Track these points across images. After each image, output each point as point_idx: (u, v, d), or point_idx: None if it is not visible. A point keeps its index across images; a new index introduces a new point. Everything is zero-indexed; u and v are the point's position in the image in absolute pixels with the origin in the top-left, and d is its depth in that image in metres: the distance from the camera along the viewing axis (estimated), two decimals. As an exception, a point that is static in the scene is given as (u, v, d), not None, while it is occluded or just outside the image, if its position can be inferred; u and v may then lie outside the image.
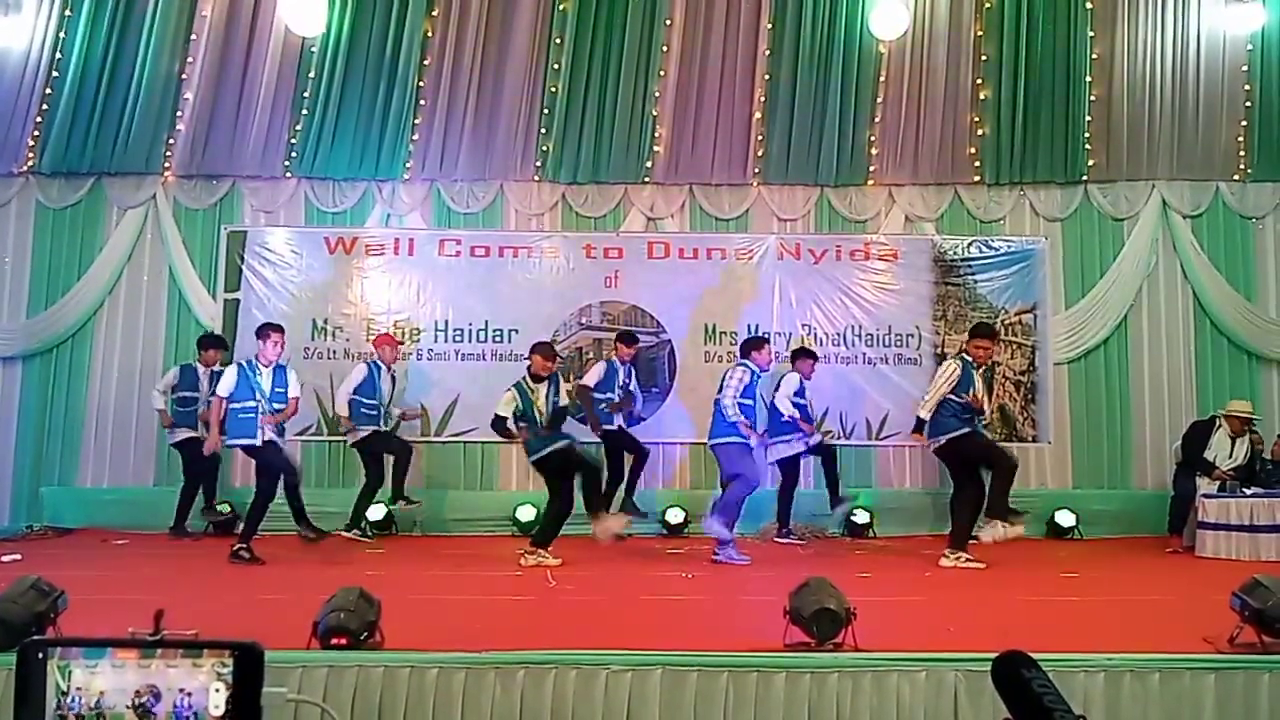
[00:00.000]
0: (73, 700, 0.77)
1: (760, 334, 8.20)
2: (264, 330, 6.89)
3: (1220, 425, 7.64)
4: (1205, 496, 7.23)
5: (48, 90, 8.52)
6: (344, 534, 7.64)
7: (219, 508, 8.03)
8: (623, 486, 7.86)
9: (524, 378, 6.70)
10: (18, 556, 6.56)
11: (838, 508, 7.85)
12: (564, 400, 6.83)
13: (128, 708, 0.81)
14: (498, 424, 6.61)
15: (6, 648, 3.48)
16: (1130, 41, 8.65)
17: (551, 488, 6.64)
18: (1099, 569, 6.72)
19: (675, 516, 8.17)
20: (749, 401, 6.84)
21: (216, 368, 7.97)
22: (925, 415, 6.60)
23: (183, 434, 7.91)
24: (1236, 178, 8.90)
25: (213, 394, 7.85)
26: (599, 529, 6.59)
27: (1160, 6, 8.61)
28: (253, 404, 6.64)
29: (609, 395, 7.77)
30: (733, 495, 6.71)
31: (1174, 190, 8.89)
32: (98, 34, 8.40)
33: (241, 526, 6.82)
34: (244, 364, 6.81)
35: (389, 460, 7.86)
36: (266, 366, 6.73)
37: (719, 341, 8.77)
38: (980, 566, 6.38)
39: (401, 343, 8.39)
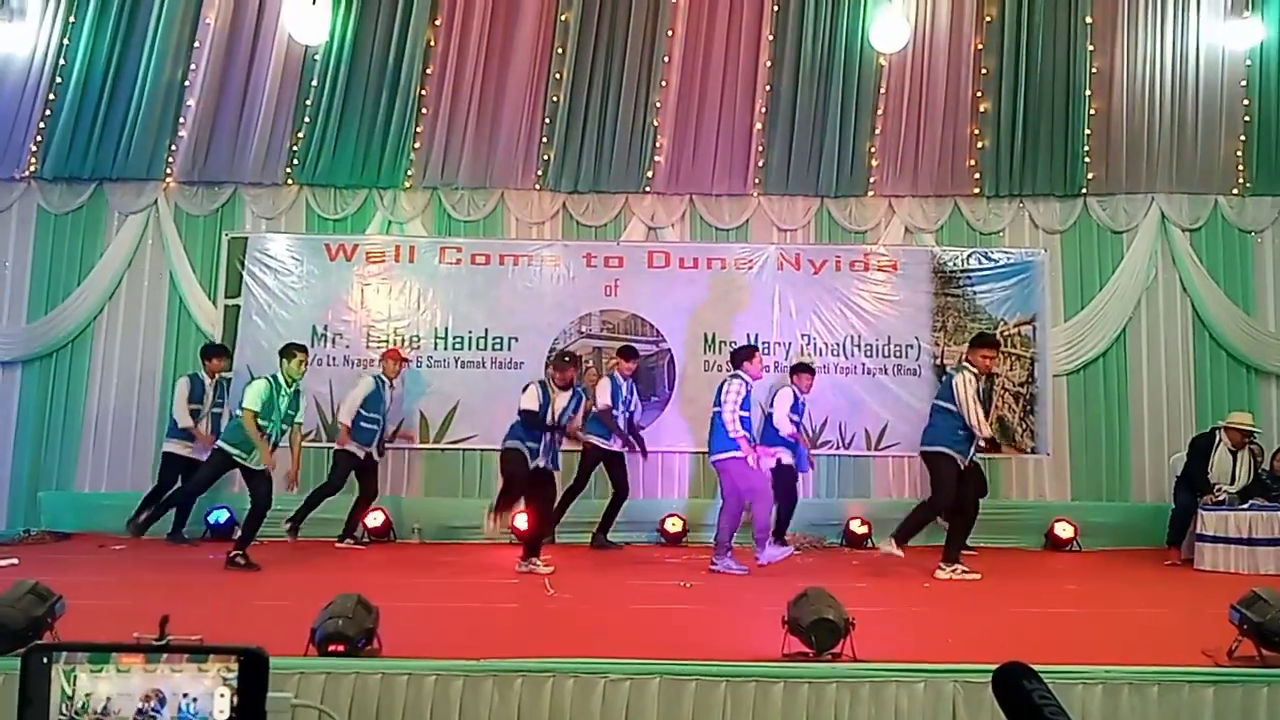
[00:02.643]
0: (78, 705, 0.78)
1: (752, 344, 8.05)
2: (291, 349, 6.77)
3: (1220, 440, 7.62)
4: (1204, 509, 7.23)
5: (51, 96, 8.54)
6: (339, 544, 7.62)
7: (185, 531, 7.80)
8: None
9: (549, 378, 6.87)
10: (15, 561, 6.54)
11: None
12: (578, 421, 7.00)
13: (134, 713, 0.81)
14: (529, 417, 6.63)
15: (5, 652, 3.48)
16: (1130, 55, 8.68)
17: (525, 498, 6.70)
18: (1098, 581, 6.72)
19: (673, 526, 8.16)
20: (746, 413, 6.80)
21: (221, 377, 8.00)
22: (990, 432, 6.60)
23: (172, 444, 7.80)
24: (1235, 191, 8.92)
25: (216, 405, 7.88)
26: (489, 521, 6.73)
27: (1160, 21, 8.65)
28: (266, 424, 6.54)
29: (618, 412, 7.78)
30: (761, 517, 6.74)
31: (1173, 203, 8.92)
32: (101, 41, 8.43)
33: (239, 533, 6.81)
34: (272, 380, 6.68)
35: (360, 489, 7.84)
36: (288, 387, 6.67)
37: (718, 351, 8.76)
38: (975, 577, 6.38)
39: (407, 359, 8.40)
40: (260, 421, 6.49)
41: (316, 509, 7.52)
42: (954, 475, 6.56)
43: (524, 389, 6.84)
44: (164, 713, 0.73)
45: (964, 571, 6.43)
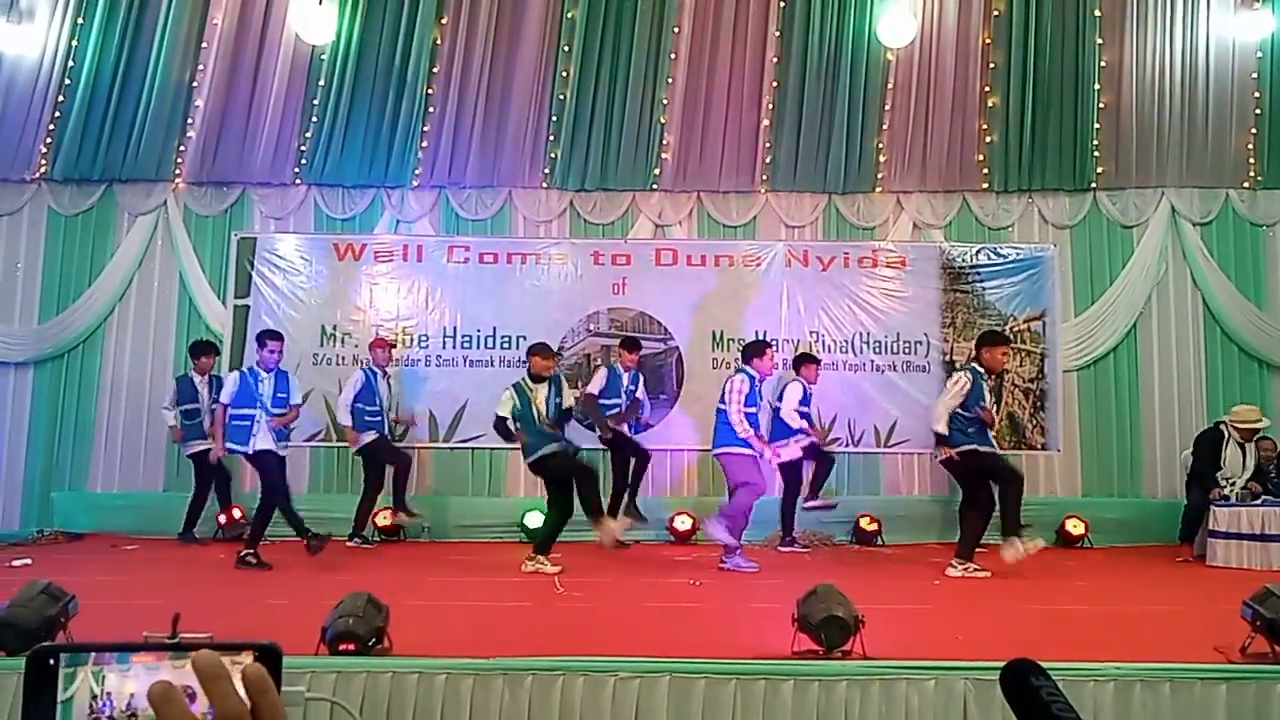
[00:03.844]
0: (103, 704, 0.78)
1: (763, 339, 7.94)
2: (262, 338, 6.92)
3: (1229, 435, 7.58)
4: (1216, 505, 7.19)
5: (60, 98, 8.59)
6: (347, 543, 7.64)
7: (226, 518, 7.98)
8: (626, 490, 7.85)
9: (523, 378, 6.70)
10: (28, 561, 6.59)
11: (812, 503, 7.63)
12: (567, 402, 6.79)
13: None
14: (499, 425, 6.62)
15: (17, 652, 3.49)
16: (1139, 49, 8.65)
17: (550, 492, 6.66)
18: (1109, 578, 6.69)
19: (682, 524, 8.16)
20: (751, 409, 6.76)
21: (213, 373, 8.01)
22: (943, 429, 6.50)
23: (195, 445, 7.85)
24: (1246, 185, 8.87)
25: (214, 401, 7.90)
26: (602, 534, 6.58)
27: (1169, 14, 8.61)
28: (251, 412, 6.64)
29: (616, 402, 7.78)
30: (739, 503, 6.68)
31: (1183, 197, 8.87)
32: (110, 42, 8.47)
33: (248, 532, 6.83)
34: (245, 371, 6.86)
35: (390, 469, 7.87)
36: (268, 374, 6.75)
37: (726, 348, 8.76)
38: (986, 575, 6.35)
39: (394, 345, 8.40)
40: (244, 411, 6.61)
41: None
42: (996, 458, 6.60)
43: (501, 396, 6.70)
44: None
45: (975, 569, 6.41)
